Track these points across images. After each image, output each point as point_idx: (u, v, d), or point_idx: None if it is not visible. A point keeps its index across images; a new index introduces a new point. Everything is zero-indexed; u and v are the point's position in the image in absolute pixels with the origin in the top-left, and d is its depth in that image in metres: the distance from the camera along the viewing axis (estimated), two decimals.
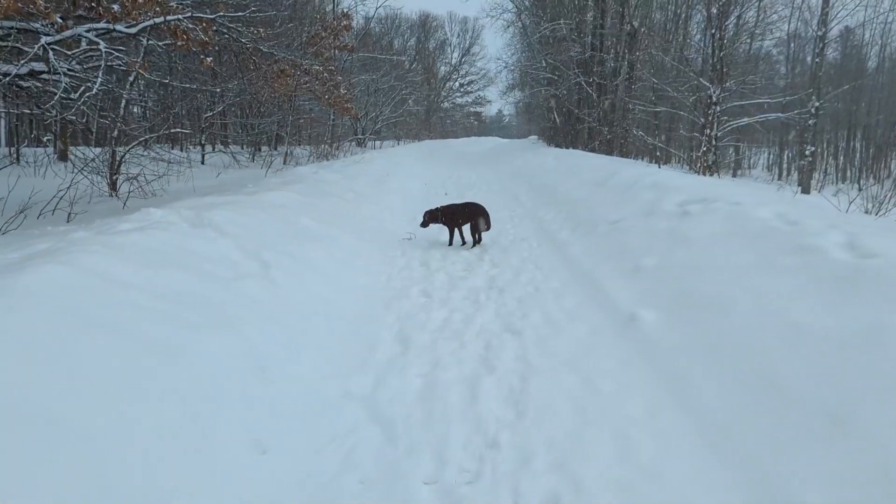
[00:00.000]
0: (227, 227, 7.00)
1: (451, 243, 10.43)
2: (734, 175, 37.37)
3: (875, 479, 3.20)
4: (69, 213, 10.09)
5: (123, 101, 13.80)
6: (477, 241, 10.45)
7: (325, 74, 22.60)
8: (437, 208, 10.44)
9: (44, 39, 9.48)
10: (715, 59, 18.21)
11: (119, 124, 13.45)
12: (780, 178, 40.64)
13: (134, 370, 3.72)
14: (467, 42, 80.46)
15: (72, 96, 10.82)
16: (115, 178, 13.47)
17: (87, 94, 9.62)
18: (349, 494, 3.70)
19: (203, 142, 24.33)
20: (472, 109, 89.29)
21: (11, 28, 9.73)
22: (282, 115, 26.13)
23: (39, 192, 10.66)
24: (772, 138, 46.97)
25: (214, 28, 11.59)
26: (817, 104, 19.31)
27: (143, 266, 5.06)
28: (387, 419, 4.59)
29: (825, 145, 44.61)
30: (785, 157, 47.25)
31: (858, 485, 3.22)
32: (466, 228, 10.60)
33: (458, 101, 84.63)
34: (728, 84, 18.67)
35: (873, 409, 3.56)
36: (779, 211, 6.90)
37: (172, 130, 16.53)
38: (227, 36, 12.65)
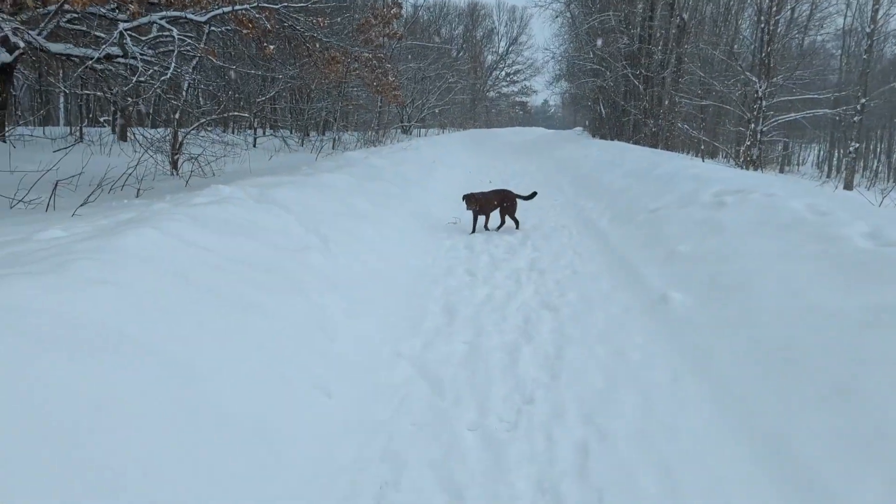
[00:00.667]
0: (289, 204, 7.61)
1: (473, 230, 10.92)
2: (781, 171, 37.02)
3: (869, 437, 3.61)
4: (138, 189, 10.85)
5: (186, 84, 14.57)
6: (515, 224, 11.04)
7: (374, 62, 23.19)
8: (471, 193, 10.90)
9: (121, 26, 10.22)
10: (763, 54, 18.24)
11: (182, 106, 14.22)
12: (828, 176, 40.08)
13: (221, 321, 4.32)
14: (515, 31, 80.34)
15: (141, 79, 11.59)
16: (176, 157, 14.27)
17: (163, 77, 10.34)
18: (403, 434, 4.26)
19: (255, 126, 25.21)
20: (517, 99, 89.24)
21: (93, 14, 10.47)
22: (331, 101, 26.85)
23: (113, 169, 11.43)
24: (823, 135, 46.17)
25: (277, 17, 12.22)
26: (863, 101, 19.19)
27: (220, 234, 5.67)
28: (434, 376, 5.13)
29: (876, 143, 43.60)
30: (835, 154, 46.43)
31: (854, 442, 3.64)
32: (495, 214, 11.11)
33: (504, 90, 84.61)
34: (776, 79, 18.69)
35: (874, 379, 3.96)
36: (810, 203, 7.23)
37: (231, 114, 17.30)
38: (287, 25, 13.29)
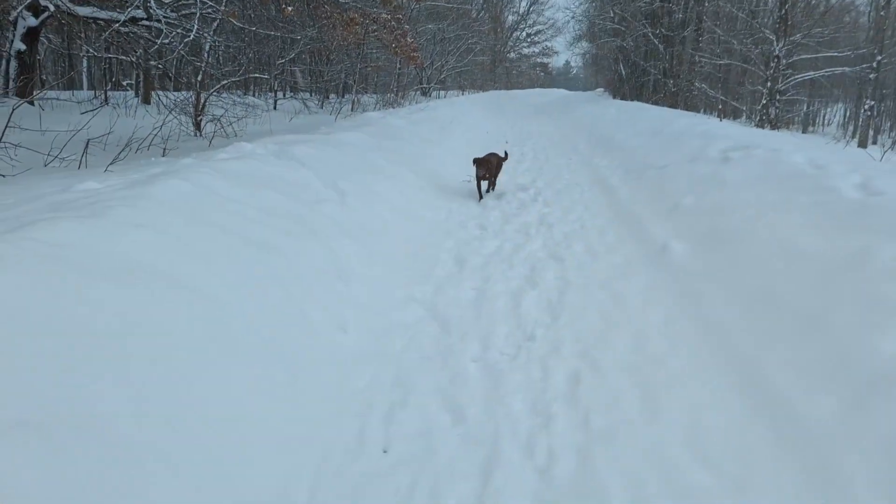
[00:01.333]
0: (307, 160, 7.97)
1: (480, 197, 10.57)
2: (804, 131, 36.60)
3: (833, 364, 3.96)
4: (164, 149, 11.25)
5: (207, 46, 14.87)
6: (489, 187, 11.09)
7: (393, 23, 23.27)
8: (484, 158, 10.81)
9: None
10: (782, 11, 18.12)
11: (204, 68, 14.55)
12: (853, 136, 39.53)
13: (245, 260, 4.72)
14: None
15: (165, 41, 11.91)
16: (199, 118, 14.64)
17: (186, 39, 10.67)
18: (412, 364, 4.68)
19: (276, 88, 25.46)
20: (538, 60, 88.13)
21: None
22: (350, 63, 26.99)
23: (140, 129, 11.84)
24: (849, 95, 45.27)
25: None
26: (879, 58, 19.02)
27: (242, 186, 6.06)
28: (443, 317, 5.54)
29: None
30: (860, 114, 45.55)
31: (820, 368, 3.99)
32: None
33: (525, 51, 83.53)
34: (795, 37, 18.56)
35: (844, 314, 4.28)
36: (811, 157, 7.46)
37: (252, 75, 17.57)
38: None
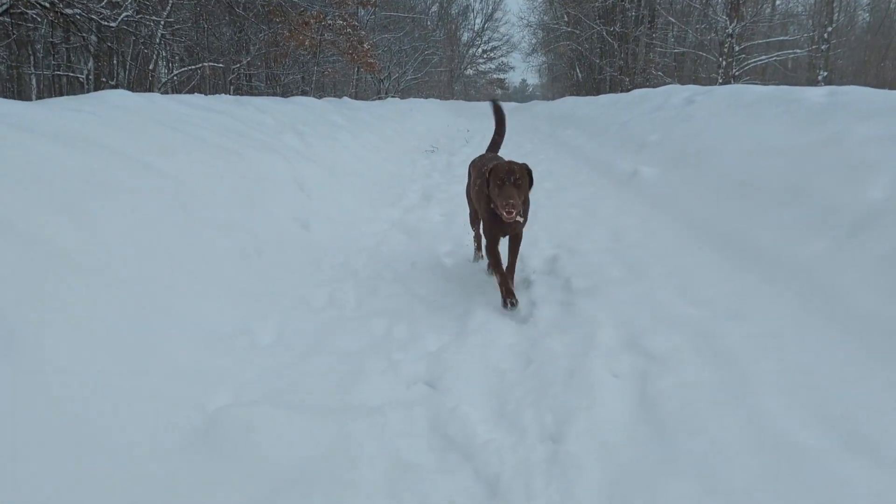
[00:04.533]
0: (266, 109, 7.75)
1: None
2: None
3: (821, 216, 3.84)
4: None
5: (159, 34, 14.53)
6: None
7: (349, 30, 23.20)
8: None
9: None
10: None
11: (156, 57, 14.21)
12: None
13: (209, 157, 4.48)
14: (490, 7, 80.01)
15: (111, 24, 11.57)
16: None
17: (125, 13, 10.38)
18: (383, 255, 4.45)
19: (231, 93, 25.13)
20: (495, 76, 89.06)
21: None
22: (306, 69, 26.79)
23: None
24: (800, 79, 46.35)
25: None
26: (829, 29, 19.53)
27: (201, 110, 5.83)
28: (413, 230, 5.32)
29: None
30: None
31: (808, 222, 3.87)
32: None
33: (482, 67, 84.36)
34: (745, 21, 18.94)
35: (826, 178, 4.18)
36: (774, 87, 7.45)
37: (207, 64, 17.23)
38: None
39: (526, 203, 3.69)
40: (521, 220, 3.60)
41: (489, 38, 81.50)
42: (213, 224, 3.67)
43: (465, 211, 5.56)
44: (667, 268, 3.92)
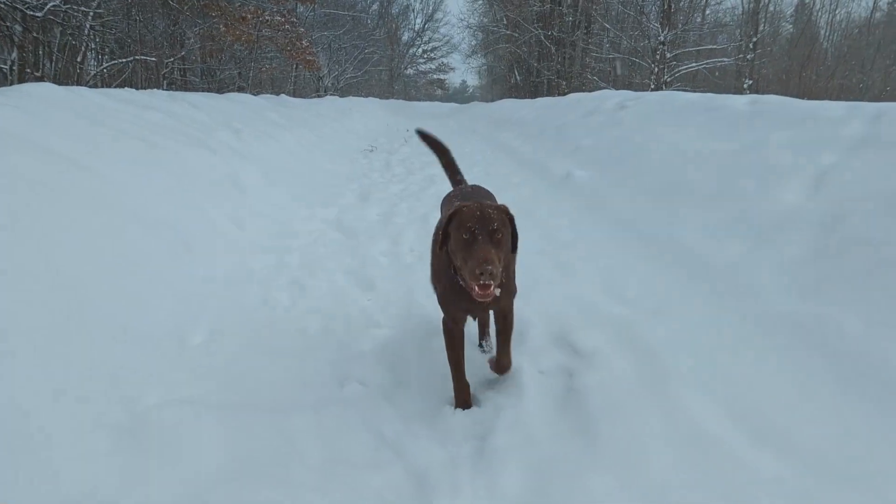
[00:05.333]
0: (200, 105, 7.62)
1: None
2: None
3: (740, 219, 4.03)
4: None
5: (88, 25, 14.07)
6: None
7: (287, 26, 22.92)
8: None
9: None
10: (665, 3, 19.04)
11: (84, 49, 13.74)
12: None
13: (135, 152, 4.39)
14: (430, 8, 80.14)
15: (37, 14, 11.17)
16: None
17: (52, 2, 10.01)
18: (318, 254, 4.45)
19: (165, 88, 24.48)
20: (435, 77, 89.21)
21: None
22: (243, 65, 26.32)
23: None
24: (727, 86, 47.91)
25: None
26: (755, 38, 20.38)
27: (130, 105, 5.69)
28: (349, 229, 5.33)
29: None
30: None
31: (728, 225, 4.06)
32: None
33: (422, 67, 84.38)
34: (678, 29, 19.54)
35: (746, 183, 4.40)
36: (702, 94, 7.75)
37: (139, 57, 16.75)
38: None
39: (509, 265, 2.58)
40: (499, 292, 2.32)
41: (429, 39, 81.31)
42: (142, 222, 3.61)
43: (406, 210, 5.66)
44: (595, 268, 4.06)
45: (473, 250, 2.17)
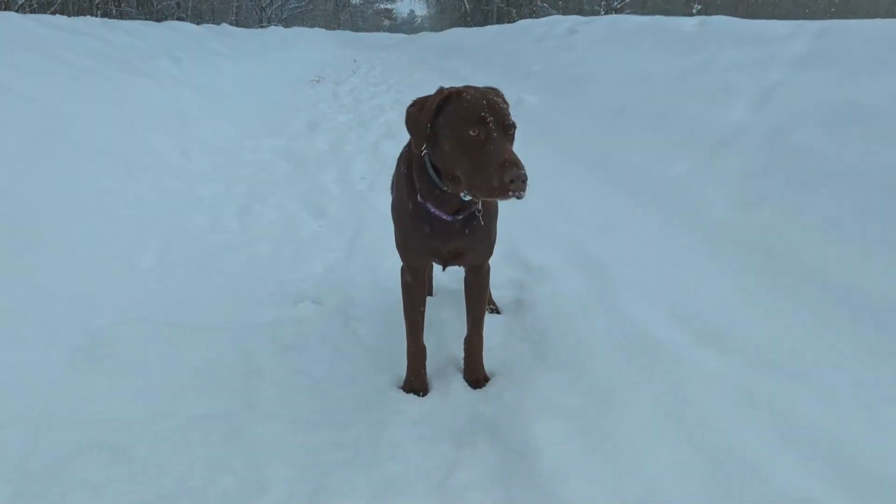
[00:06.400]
0: (136, 32, 7.30)
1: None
2: None
3: (687, 138, 4.09)
4: None
5: None
6: None
7: None
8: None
9: None
10: None
11: None
12: None
13: (76, 80, 4.20)
14: None
15: None
16: None
17: None
18: (266, 182, 4.38)
19: (97, 15, 23.29)
20: (382, 6, 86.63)
21: None
22: None
23: None
24: (681, 12, 47.84)
25: None
26: None
27: (63, 31, 5.44)
28: (298, 159, 5.24)
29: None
30: None
31: (674, 144, 4.12)
32: None
33: None
34: None
35: (694, 102, 4.45)
36: (652, 17, 7.72)
37: None
38: None
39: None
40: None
41: None
42: (86, 149, 3.50)
43: (356, 139, 5.61)
44: (545, 189, 4.08)
45: (489, 150, 1.71)
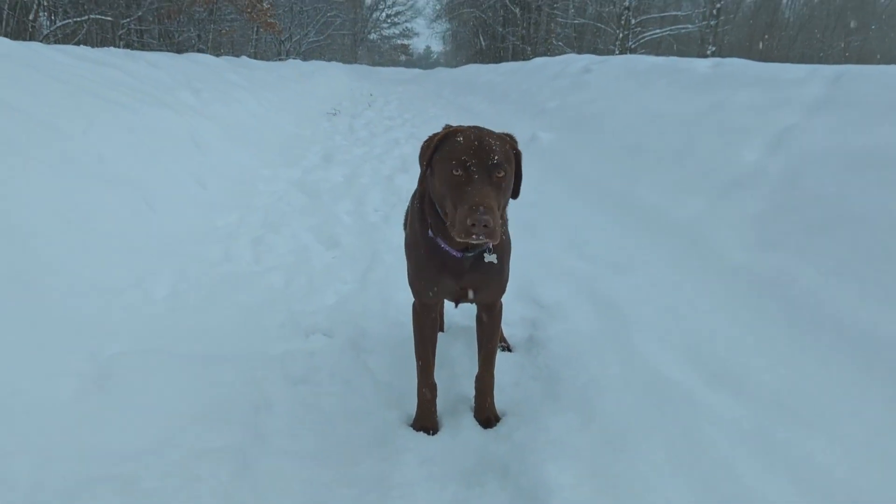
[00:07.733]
0: (160, 64, 7.43)
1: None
2: None
3: (701, 178, 4.10)
4: None
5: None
6: None
7: None
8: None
9: None
10: None
11: (37, 4, 13.25)
12: None
13: (94, 108, 4.27)
14: None
15: None
16: None
17: None
18: (281, 213, 4.41)
19: (120, 46, 23.75)
20: (399, 42, 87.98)
21: None
22: (202, 27, 25.65)
23: None
24: (695, 55, 48.23)
25: None
26: (718, 5, 20.53)
27: (87, 62, 5.54)
28: (313, 190, 5.29)
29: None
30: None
31: (689, 183, 4.13)
32: None
33: (386, 32, 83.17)
34: None
35: (707, 142, 4.48)
36: (665, 58, 7.79)
37: (93, 16, 16.22)
38: None
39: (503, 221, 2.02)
40: (495, 257, 1.97)
41: (393, 3, 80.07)
42: (103, 179, 3.54)
43: (370, 171, 5.63)
44: (558, 226, 4.11)
45: (466, 191, 1.69)
